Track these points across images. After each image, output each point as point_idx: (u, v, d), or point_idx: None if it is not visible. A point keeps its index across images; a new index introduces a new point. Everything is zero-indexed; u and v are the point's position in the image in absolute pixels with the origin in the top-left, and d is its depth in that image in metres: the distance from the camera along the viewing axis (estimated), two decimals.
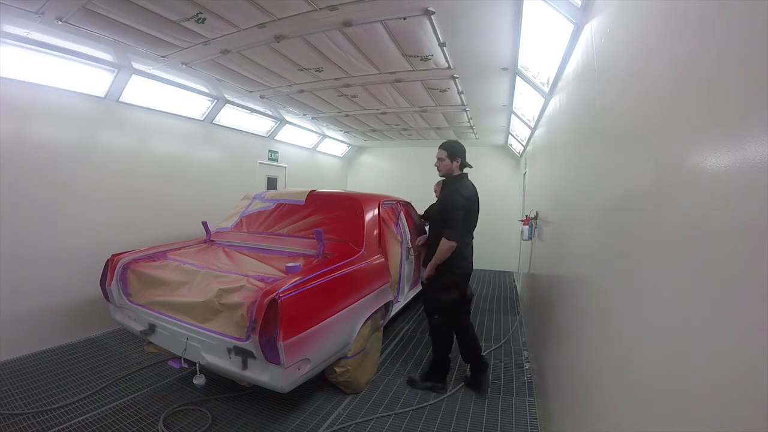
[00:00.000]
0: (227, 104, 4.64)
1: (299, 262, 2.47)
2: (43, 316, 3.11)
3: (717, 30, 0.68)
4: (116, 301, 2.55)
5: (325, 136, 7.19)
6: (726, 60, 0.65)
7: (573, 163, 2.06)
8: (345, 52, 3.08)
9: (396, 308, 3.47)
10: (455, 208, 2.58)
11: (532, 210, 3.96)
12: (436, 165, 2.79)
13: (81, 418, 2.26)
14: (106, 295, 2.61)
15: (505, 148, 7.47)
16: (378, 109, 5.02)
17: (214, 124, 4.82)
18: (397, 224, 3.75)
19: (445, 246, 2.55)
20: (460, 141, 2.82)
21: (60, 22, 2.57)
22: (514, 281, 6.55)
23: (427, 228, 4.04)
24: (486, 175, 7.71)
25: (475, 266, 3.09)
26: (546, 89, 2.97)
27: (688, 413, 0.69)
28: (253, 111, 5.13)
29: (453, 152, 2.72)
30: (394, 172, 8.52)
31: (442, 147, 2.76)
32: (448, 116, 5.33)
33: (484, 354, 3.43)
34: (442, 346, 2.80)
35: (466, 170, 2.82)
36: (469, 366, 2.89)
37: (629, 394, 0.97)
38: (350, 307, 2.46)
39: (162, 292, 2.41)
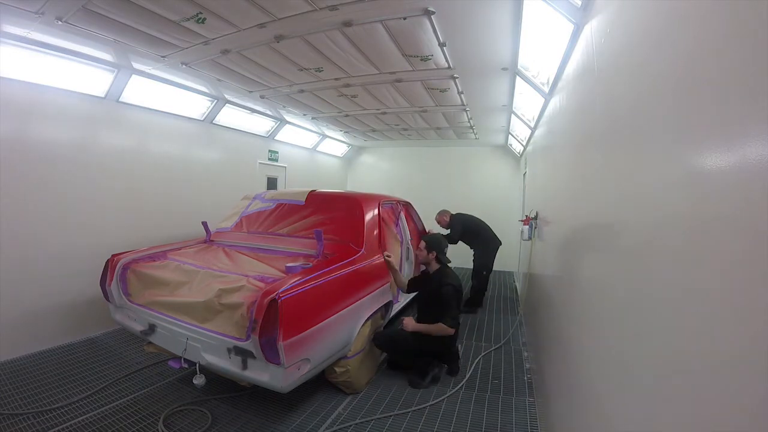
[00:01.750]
0: (227, 104, 4.64)
1: (300, 263, 2.47)
2: (43, 316, 3.11)
3: (717, 30, 0.68)
4: (116, 301, 2.55)
5: (325, 136, 7.19)
6: (726, 60, 0.65)
7: (573, 163, 2.06)
8: (345, 52, 3.08)
9: (396, 308, 3.48)
10: (450, 296, 2.89)
11: (532, 210, 3.97)
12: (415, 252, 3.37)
13: (81, 418, 2.26)
14: (106, 295, 2.61)
15: (505, 148, 7.47)
16: (378, 109, 5.02)
17: (214, 124, 4.82)
18: (397, 224, 3.75)
19: (443, 330, 2.81)
20: (442, 238, 3.24)
21: (60, 22, 2.57)
22: (514, 281, 6.55)
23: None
24: (486, 175, 7.74)
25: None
26: (546, 89, 2.97)
27: (688, 413, 0.69)
28: (253, 111, 5.13)
29: (429, 245, 3.09)
30: (394, 172, 8.52)
31: (424, 239, 3.21)
32: (448, 116, 5.33)
33: (483, 354, 3.45)
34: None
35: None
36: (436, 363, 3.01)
37: (629, 394, 0.97)
38: (350, 307, 2.46)
39: (162, 292, 2.41)
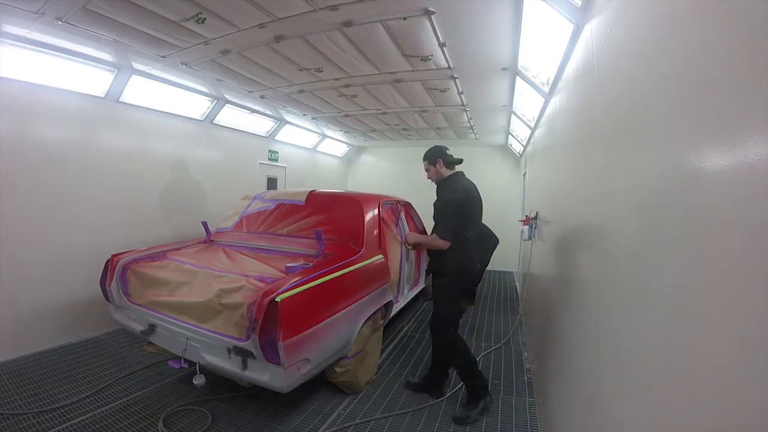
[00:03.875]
0: (227, 104, 4.64)
1: (300, 263, 2.47)
2: (43, 316, 3.11)
3: (717, 30, 0.68)
4: (116, 301, 2.55)
5: (325, 136, 7.19)
6: (726, 60, 0.65)
7: (573, 163, 2.06)
8: (345, 52, 3.08)
9: (396, 308, 3.47)
10: (445, 206, 2.52)
11: (532, 210, 3.97)
12: (428, 178, 2.76)
13: (81, 418, 2.26)
14: (106, 295, 2.61)
15: (505, 148, 7.47)
16: (378, 109, 5.02)
17: (214, 124, 4.82)
18: (397, 224, 3.75)
19: (435, 241, 2.50)
20: (439, 145, 2.71)
21: (60, 22, 2.57)
22: (514, 281, 6.55)
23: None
24: (486, 175, 7.69)
25: None
26: (546, 89, 2.97)
27: (688, 414, 0.69)
28: (253, 111, 5.12)
29: (431, 157, 2.65)
30: (394, 172, 8.51)
31: (424, 158, 2.73)
32: (448, 116, 5.33)
33: (483, 354, 3.44)
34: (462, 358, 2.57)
35: (458, 168, 2.72)
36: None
37: (629, 395, 0.97)
38: (350, 307, 2.46)
39: (162, 292, 2.40)
